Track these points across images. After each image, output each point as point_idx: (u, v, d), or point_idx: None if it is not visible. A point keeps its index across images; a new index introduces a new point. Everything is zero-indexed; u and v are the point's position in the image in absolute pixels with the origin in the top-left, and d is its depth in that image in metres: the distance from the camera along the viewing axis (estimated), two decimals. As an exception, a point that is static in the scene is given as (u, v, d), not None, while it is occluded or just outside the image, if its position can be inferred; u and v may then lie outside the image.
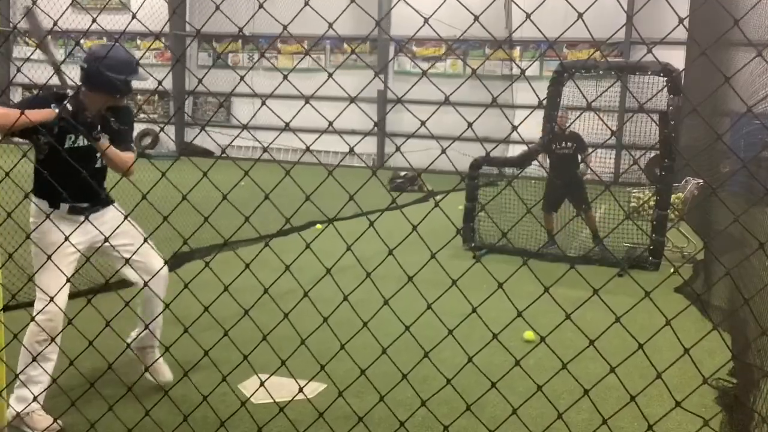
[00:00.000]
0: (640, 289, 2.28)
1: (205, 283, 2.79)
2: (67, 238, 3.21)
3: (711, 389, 4.76)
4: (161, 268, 4.40)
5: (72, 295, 5.57)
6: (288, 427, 3.58)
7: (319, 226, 10.78)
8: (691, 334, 2.57)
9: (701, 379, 2.41)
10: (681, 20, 2.23)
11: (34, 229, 3.77)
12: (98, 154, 4.14)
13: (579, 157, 10.17)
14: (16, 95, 28.11)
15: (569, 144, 10.15)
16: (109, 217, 4.23)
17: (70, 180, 3.50)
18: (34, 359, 3.51)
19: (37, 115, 3.76)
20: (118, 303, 3.22)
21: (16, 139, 3.86)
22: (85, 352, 3.16)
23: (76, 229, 3.51)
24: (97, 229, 3.57)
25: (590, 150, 10.36)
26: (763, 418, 3.58)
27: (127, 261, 3.65)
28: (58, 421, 3.94)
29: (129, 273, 4.25)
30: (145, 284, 3.39)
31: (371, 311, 2.84)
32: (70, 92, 4.00)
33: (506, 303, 2.57)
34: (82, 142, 4.08)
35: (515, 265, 2.61)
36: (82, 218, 3.91)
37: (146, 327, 3.90)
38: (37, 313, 3.73)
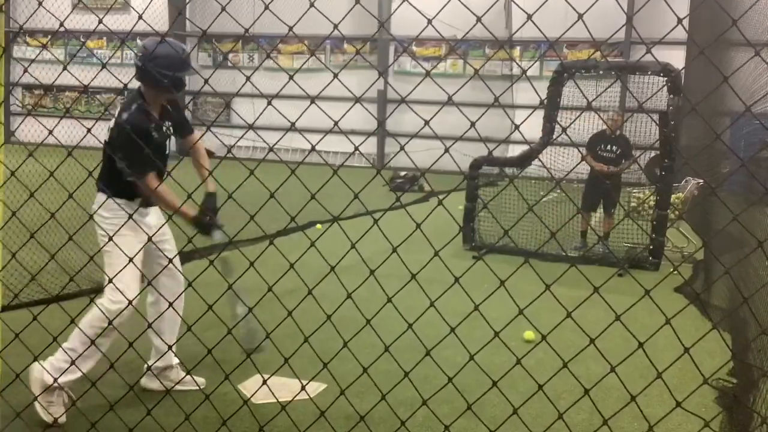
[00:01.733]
0: (640, 288, 2.29)
1: (206, 282, 2.80)
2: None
3: (711, 389, 4.77)
4: (184, 285, 4.45)
5: (74, 295, 5.59)
6: (289, 427, 3.59)
7: (319, 226, 10.79)
8: (691, 333, 2.58)
9: (701, 379, 2.42)
10: (680, 20, 2.25)
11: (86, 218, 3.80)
12: (167, 144, 4.43)
13: (623, 161, 10.07)
14: (17, 96, 28.10)
15: (614, 148, 10.07)
16: (156, 214, 4.45)
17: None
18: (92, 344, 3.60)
19: (186, 213, 4.16)
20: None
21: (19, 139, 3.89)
22: (111, 338, 3.17)
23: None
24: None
25: (636, 155, 10.29)
26: (763, 418, 3.59)
27: (170, 261, 3.69)
28: (61, 419, 3.96)
29: (162, 283, 4.30)
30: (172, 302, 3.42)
31: (372, 310, 2.85)
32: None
33: (507, 302, 2.58)
34: (156, 135, 4.24)
35: (515, 264, 2.62)
36: (148, 211, 4.23)
37: (170, 348, 3.95)
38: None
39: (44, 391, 3.91)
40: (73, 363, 3.67)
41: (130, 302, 3.48)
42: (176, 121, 4.41)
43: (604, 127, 10.20)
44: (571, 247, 9.90)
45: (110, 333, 3.90)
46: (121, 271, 3.48)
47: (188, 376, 4.47)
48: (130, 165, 3.90)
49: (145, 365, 4.34)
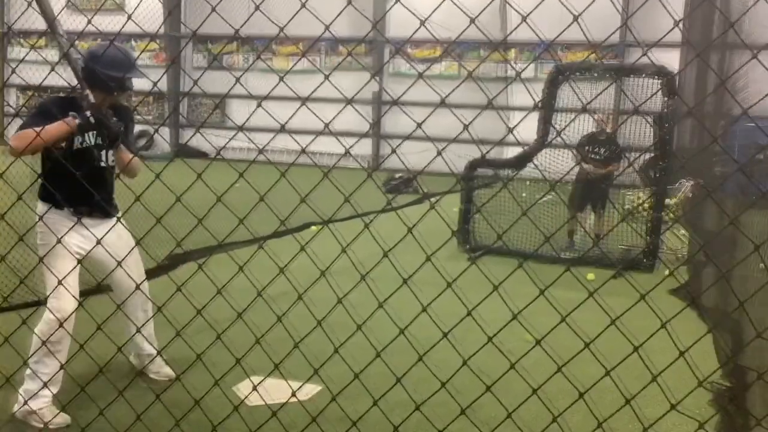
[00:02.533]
0: (636, 290, 2.28)
1: (198, 286, 2.78)
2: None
3: (706, 391, 4.76)
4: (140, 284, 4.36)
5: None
6: (282, 430, 3.56)
7: (314, 228, 10.75)
8: (686, 336, 2.56)
9: (696, 382, 2.41)
10: (677, 23, 2.23)
11: (31, 228, 3.76)
12: (105, 155, 4.20)
13: (612, 163, 10.09)
14: (11, 97, 28.02)
15: (603, 150, 10.08)
16: (111, 231, 4.12)
17: (75, 181, 3.44)
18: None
19: (57, 130, 3.81)
20: (110, 305, 3.21)
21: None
22: (77, 355, 3.15)
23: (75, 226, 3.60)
24: (95, 234, 3.59)
25: (623, 157, 10.31)
26: (758, 420, 3.58)
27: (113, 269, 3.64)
28: (64, 414, 3.96)
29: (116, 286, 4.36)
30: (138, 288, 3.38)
31: (366, 313, 2.83)
32: (88, 92, 4.04)
33: (501, 305, 2.56)
34: (89, 142, 4.11)
35: (511, 266, 2.60)
36: (87, 221, 3.96)
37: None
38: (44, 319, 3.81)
39: (32, 413, 3.92)
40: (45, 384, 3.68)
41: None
42: (115, 128, 4.19)
43: (594, 129, 10.22)
44: (560, 249, 9.88)
45: (61, 341, 3.93)
46: (50, 279, 3.52)
47: (163, 369, 4.67)
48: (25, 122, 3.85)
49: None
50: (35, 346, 3.89)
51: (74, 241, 3.99)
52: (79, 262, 3.86)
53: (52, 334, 3.79)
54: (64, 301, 3.80)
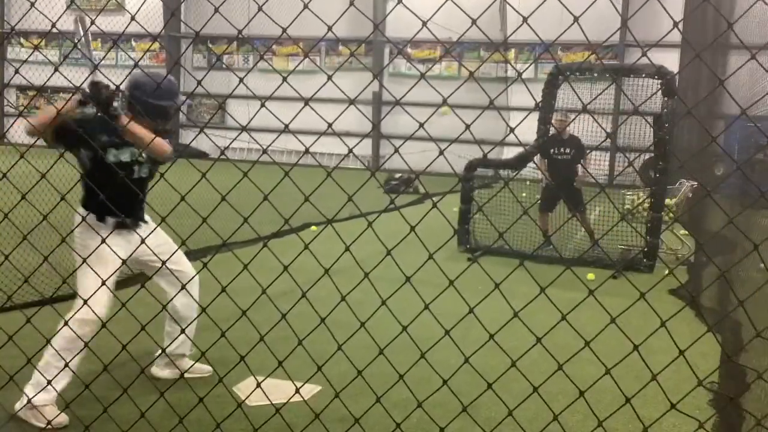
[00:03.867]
0: (635, 290, 2.29)
1: (201, 285, 2.79)
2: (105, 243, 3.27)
3: (705, 391, 4.77)
4: (195, 275, 4.42)
5: (68, 297, 5.57)
6: (283, 429, 3.58)
7: (314, 227, 10.77)
8: (685, 336, 2.58)
9: (695, 381, 2.42)
10: (676, 24, 2.25)
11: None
12: (137, 169, 4.27)
13: (579, 162, 10.12)
14: (11, 97, 28.04)
15: (567, 150, 10.11)
16: (146, 229, 4.32)
17: (115, 194, 3.54)
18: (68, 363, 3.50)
19: (54, 109, 3.82)
20: (114, 305, 3.23)
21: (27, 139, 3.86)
22: (81, 354, 3.16)
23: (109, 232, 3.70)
24: (139, 235, 3.61)
25: (588, 154, 10.30)
26: (758, 420, 3.60)
27: (164, 263, 3.67)
28: (63, 414, 3.95)
29: (164, 283, 4.38)
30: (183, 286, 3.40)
31: (367, 312, 2.84)
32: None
33: (501, 304, 2.58)
34: (125, 157, 4.18)
35: (510, 266, 2.62)
36: (125, 232, 4.10)
37: (182, 331, 3.85)
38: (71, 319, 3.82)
39: (33, 409, 3.94)
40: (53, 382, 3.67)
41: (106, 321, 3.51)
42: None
43: (553, 130, 10.21)
44: (538, 249, 9.86)
45: (78, 345, 3.90)
46: (86, 287, 3.55)
47: (197, 364, 4.59)
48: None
49: (159, 350, 4.39)
50: (56, 342, 3.87)
51: (117, 250, 3.99)
52: (124, 263, 3.88)
53: (61, 329, 3.79)
54: (97, 308, 3.81)
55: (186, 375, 4.44)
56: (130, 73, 4.25)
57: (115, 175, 3.81)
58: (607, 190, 2.69)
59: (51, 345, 3.75)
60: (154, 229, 3.91)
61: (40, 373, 3.85)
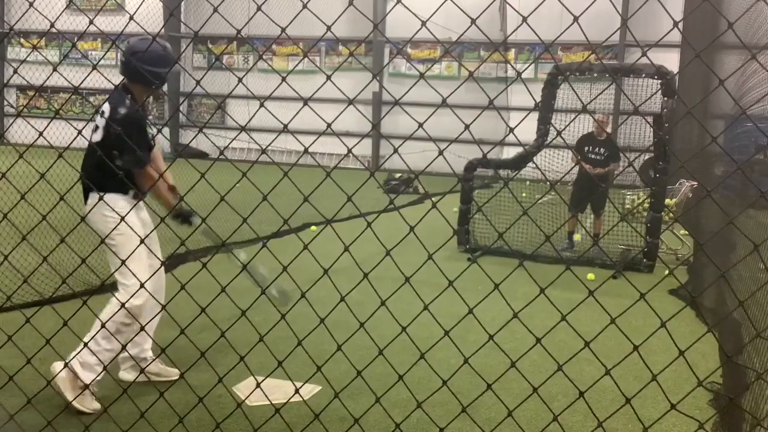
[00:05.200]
0: (634, 290, 2.29)
1: (198, 285, 2.79)
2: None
3: (705, 391, 4.78)
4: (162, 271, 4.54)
5: (67, 297, 5.57)
6: (283, 429, 3.57)
7: (314, 228, 10.78)
8: (685, 336, 2.58)
9: (695, 381, 2.42)
10: (675, 23, 2.25)
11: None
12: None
13: (610, 164, 10.13)
14: (11, 97, 28.04)
15: (602, 151, 10.11)
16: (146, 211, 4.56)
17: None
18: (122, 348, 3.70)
19: (161, 197, 4.31)
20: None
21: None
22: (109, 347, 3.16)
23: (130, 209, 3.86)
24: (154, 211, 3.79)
25: (621, 158, 10.27)
26: (758, 420, 3.59)
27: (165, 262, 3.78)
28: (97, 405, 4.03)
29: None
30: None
31: (366, 313, 2.84)
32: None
33: (501, 305, 2.58)
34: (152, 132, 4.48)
35: (509, 267, 2.62)
36: (141, 206, 4.38)
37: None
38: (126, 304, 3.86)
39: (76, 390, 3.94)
40: (105, 368, 3.64)
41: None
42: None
43: (592, 129, 10.22)
44: (559, 249, 9.90)
45: (133, 324, 4.06)
46: (131, 265, 3.61)
47: (163, 368, 4.67)
48: (133, 157, 4.07)
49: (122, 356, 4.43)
50: (111, 325, 3.90)
51: (138, 223, 4.25)
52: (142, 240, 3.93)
53: (115, 314, 3.92)
54: (138, 282, 3.83)
55: (154, 379, 4.50)
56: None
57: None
58: (608, 190, 2.68)
59: (104, 327, 3.78)
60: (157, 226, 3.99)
61: (93, 352, 3.93)
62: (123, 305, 3.53)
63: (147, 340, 4.58)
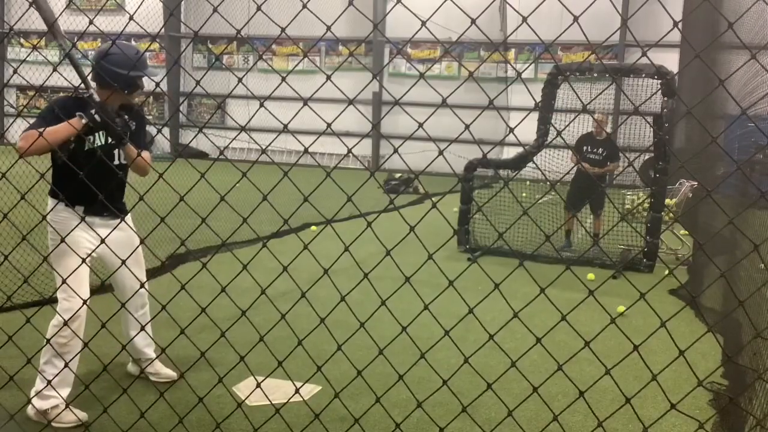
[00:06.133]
0: (634, 291, 2.29)
1: (197, 285, 2.79)
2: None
3: (705, 391, 4.78)
4: (139, 288, 4.32)
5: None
6: (283, 429, 3.58)
7: (314, 228, 10.78)
8: (685, 336, 2.58)
9: (695, 381, 2.42)
10: (675, 23, 2.25)
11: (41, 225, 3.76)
12: (117, 154, 4.18)
13: (608, 164, 10.14)
14: (11, 97, 28.05)
15: (601, 150, 10.12)
16: (121, 231, 4.06)
17: (90, 181, 3.33)
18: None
19: (64, 130, 3.78)
20: (113, 304, 3.22)
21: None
22: (81, 354, 3.16)
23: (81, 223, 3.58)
24: (100, 238, 3.46)
25: (621, 158, 10.26)
26: (758, 420, 3.59)
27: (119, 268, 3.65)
28: (81, 414, 3.94)
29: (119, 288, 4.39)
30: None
31: (366, 312, 2.84)
32: (92, 92, 3.99)
33: (501, 305, 2.58)
34: (100, 141, 4.08)
35: (509, 267, 2.62)
36: (96, 221, 3.97)
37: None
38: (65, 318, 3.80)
39: (49, 411, 3.91)
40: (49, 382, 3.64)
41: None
42: (129, 134, 4.15)
43: (591, 129, 10.22)
44: (557, 248, 9.89)
45: (70, 342, 3.91)
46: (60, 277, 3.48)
47: (163, 370, 4.65)
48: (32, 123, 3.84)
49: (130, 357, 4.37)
50: (46, 346, 3.87)
51: (85, 241, 3.97)
52: (84, 261, 3.81)
53: (56, 334, 3.79)
54: (74, 301, 3.80)
55: (152, 378, 4.50)
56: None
57: (90, 162, 3.66)
58: (607, 190, 2.68)
59: (50, 347, 3.75)
60: (117, 227, 3.75)
61: (40, 378, 3.87)
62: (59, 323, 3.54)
63: (142, 345, 4.62)
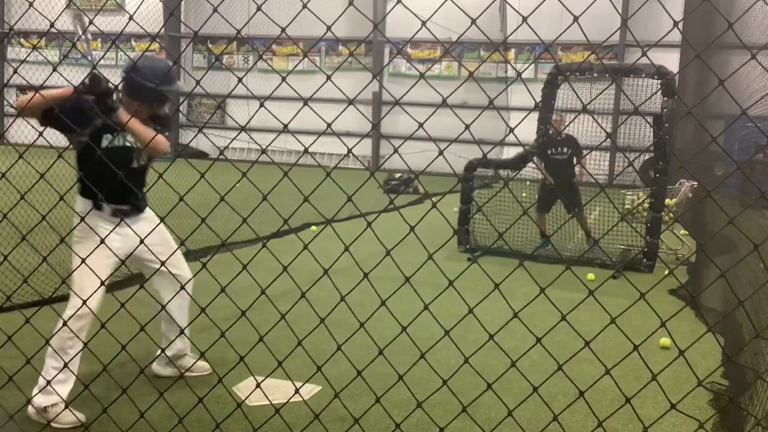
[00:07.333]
0: (634, 290, 2.29)
1: (198, 285, 2.79)
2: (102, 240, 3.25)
3: (705, 391, 4.77)
4: (191, 278, 4.38)
5: (68, 297, 5.57)
6: (283, 429, 3.58)
7: (314, 228, 10.78)
8: (685, 336, 2.58)
9: (695, 381, 2.42)
10: (676, 23, 2.25)
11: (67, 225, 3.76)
12: (134, 154, 4.21)
13: (574, 161, 10.12)
14: (11, 97, 28.05)
15: (565, 149, 10.09)
16: (146, 223, 4.25)
17: (109, 181, 3.43)
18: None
19: (53, 92, 3.81)
20: (113, 305, 3.22)
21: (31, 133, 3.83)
22: (81, 354, 3.16)
23: (113, 228, 3.63)
24: (135, 232, 3.44)
25: (585, 153, 10.25)
26: (758, 420, 3.59)
27: (163, 263, 3.61)
28: (80, 415, 3.92)
29: (158, 283, 4.34)
30: (182, 286, 3.38)
31: (366, 312, 2.84)
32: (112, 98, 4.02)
33: (501, 305, 2.58)
34: (118, 142, 4.12)
35: (509, 267, 2.62)
36: (122, 224, 3.91)
37: (182, 331, 3.78)
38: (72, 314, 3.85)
39: (49, 409, 3.90)
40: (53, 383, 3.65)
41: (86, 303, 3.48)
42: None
43: (550, 131, 10.18)
44: (536, 248, 9.83)
45: (75, 339, 3.92)
46: (79, 278, 3.53)
47: (198, 363, 4.59)
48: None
49: (159, 349, 4.30)
50: (53, 342, 3.86)
51: (113, 243, 3.90)
52: (122, 262, 3.82)
53: (59, 330, 3.80)
54: (90, 302, 3.78)
55: (186, 373, 4.47)
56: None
57: (109, 161, 3.74)
58: (607, 190, 2.68)
59: (50, 345, 3.74)
60: (156, 227, 3.83)
61: (42, 376, 3.85)
62: (65, 323, 3.54)
63: (182, 339, 4.51)
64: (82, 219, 3.51)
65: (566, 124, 10.29)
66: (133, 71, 4.10)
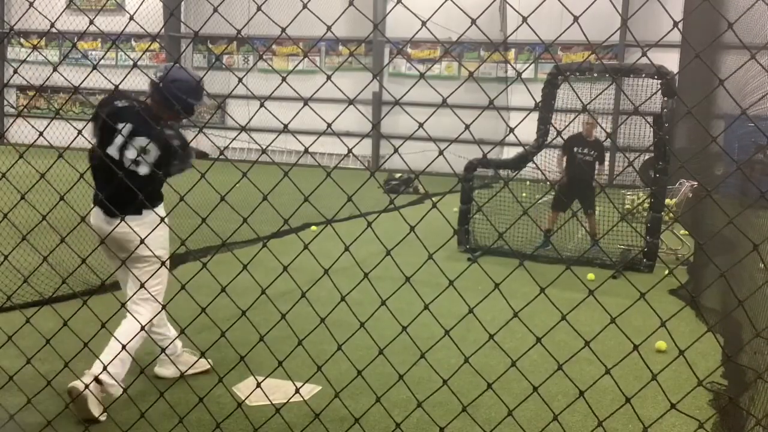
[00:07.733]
0: (635, 290, 2.29)
1: (199, 285, 2.79)
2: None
3: (705, 391, 4.78)
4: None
5: (67, 297, 5.57)
6: (283, 429, 3.58)
7: (314, 227, 10.78)
8: (685, 336, 2.58)
9: (695, 381, 2.42)
10: (675, 23, 2.25)
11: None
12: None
13: (596, 165, 10.17)
14: (11, 97, 28.07)
15: (591, 152, 10.14)
16: (144, 224, 4.15)
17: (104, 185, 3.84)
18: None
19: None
20: (113, 305, 3.23)
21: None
22: (80, 354, 3.16)
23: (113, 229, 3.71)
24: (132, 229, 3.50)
25: (606, 160, 10.27)
26: (758, 420, 3.60)
27: (123, 262, 3.61)
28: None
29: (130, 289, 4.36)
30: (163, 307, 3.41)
31: (366, 312, 2.84)
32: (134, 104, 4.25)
33: (501, 304, 2.58)
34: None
35: (509, 266, 2.62)
36: (116, 220, 4.00)
37: (182, 331, 3.77)
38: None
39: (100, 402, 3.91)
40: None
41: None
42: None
43: (581, 129, 10.23)
44: (537, 247, 9.84)
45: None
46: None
47: (198, 360, 4.61)
48: (181, 164, 4.24)
49: (160, 350, 4.30)
50: (138, 337, 3.88)
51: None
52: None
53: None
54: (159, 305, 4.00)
55: (189, 372, 4.49)
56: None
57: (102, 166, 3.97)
58: (607, 190, 2.68)
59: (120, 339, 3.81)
60: (157, 225, 3.80)
61: (121, 362, 3.92)
62: (143, 328, 3.51)
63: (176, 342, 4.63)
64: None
65: (595, 127, 10.31)
66: (173, 82, 4.29)
